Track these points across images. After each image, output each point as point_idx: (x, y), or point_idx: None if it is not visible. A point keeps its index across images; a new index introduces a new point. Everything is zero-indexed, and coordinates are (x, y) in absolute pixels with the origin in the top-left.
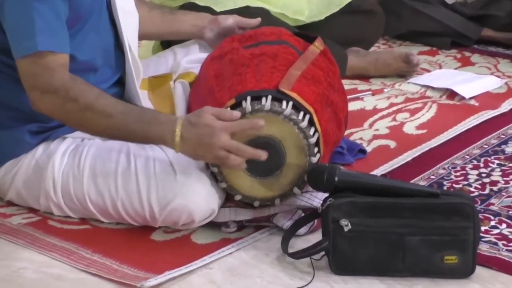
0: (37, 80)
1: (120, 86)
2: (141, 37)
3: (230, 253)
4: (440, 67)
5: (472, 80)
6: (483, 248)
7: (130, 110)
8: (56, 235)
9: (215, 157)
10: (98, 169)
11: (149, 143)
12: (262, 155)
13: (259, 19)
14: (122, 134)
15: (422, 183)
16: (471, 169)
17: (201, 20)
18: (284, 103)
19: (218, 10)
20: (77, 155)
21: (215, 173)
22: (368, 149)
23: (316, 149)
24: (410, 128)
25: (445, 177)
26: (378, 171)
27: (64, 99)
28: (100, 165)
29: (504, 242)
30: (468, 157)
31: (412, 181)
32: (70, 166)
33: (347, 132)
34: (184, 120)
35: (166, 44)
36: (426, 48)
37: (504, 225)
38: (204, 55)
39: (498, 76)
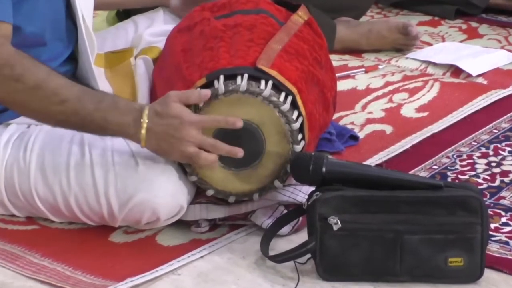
0: None
1: (72, 63)
2: (98, 6)
3: (202, 257)
4: (443, 40)
5: (480, 55)
6: (493, 248)
7: (87, 96)
8: None
9: (183, 153)
10: (47, 160)
11: (107, 135)
12: (239, 152)
13: None
14: (77, 123)
15: (423, 174)
16: (479, 157)
17: None
18: (263, 82)
19: None
20: (22, 144)
21: (184, 164)
22: (361, 135)
23: (300, 136)
24: (409, 111)
25: (449, 167)
26: (372, 161)
27: (8, 77)
28: (50, 155)
29: None
30: (475, 143)
31: (411, 172)
32: (15, 157)
33: (336, 115)
34: (150, 110)
35: (124, 14)
36: (427, 18)
37: None
38: (170, 27)
39: (510, 50)
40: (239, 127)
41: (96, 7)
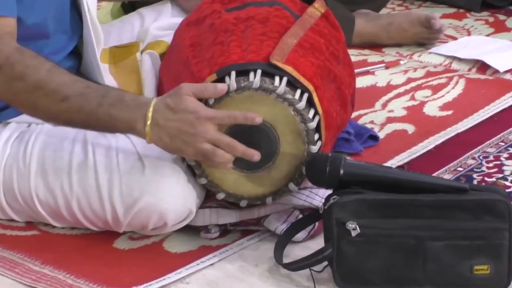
0: None
1: (76, 58)
2: None
3: (211, 264)
4: (469, 34)
5: (508, 50)
6: None
7: (91, 91)
8: None
9: (198, 151)
10: (48, 161)
11: (114, 132)
12: (255, 155)
13: None
14: (81, 120)
15: (447, 176)
16: (507, 158)
17: None
18: (277, 78)
19: None
20: (22, 144)
21: (193, 166)
22: (381, 134)
23: (316, 136)
24: (432, 109)
25: (475, 169)
26: (393, 162)
27: (9, 76)
28: (51, 156)
29: None
30: (503, 144)
31: (434, 174)
32: (14, 158)
33: (354, 114)
34: (159, 103)
35: (129, 6)
36: (452, 10)
37: None
38: (178, 20)
39: None
40: (258, 123)
41: None
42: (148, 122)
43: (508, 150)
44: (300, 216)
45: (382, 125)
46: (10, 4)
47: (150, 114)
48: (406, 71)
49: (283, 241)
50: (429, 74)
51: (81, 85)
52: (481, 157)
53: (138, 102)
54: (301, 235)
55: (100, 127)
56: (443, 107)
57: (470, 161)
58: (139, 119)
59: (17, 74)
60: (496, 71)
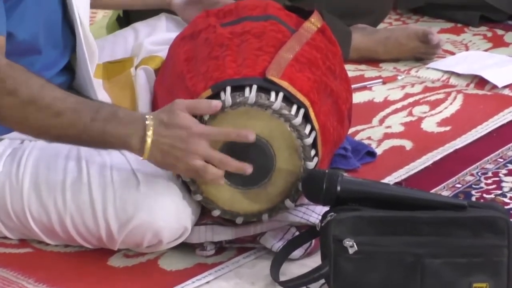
0: None
1: (69, 73)
2: (97, 5)
3: (207, 282)
4: (467, 49)
5: (506, 65)
6: None
7: (84, 106)
8: None
9: (189, 167)
10: (41, 177)
11: (107, 148)
12: (248, 169)
13: None
14: (73, 136)
15: (445, 193)
16: (506, 175)
17: None
18: (273, 94)
19: None
20: (15, 160)
21: (188, 182)
22: (378, 151)
23: (313, 152)
24: (430, 125)
25: (473, 185)
26: (391, 179)
27: (0, 92)
28: (44, 172)
29: None
30: (501, 160)
31: (432, 191)
32: (7, 174)
33: (351, 129)
34: (155, 119)
35: (124, 20)
36: (449, 25)
37: None
38: (172, 35)
39: None
40: (251, 141)
41: (94, 5)
42: (147, 141)
43: (507, 166)
44: (297, 233)
45: (380, 141)
46: (0, 20)
47: (150, 131)
48: (403, 87)
49: (279, 258)
50: (426, 89)
51: (74, 100)
52: (479, 174)
53: (132, 118)
54: (297, 252)
55: (93, 143)
56: (441, 123)
57: (469, 178)
58: (134, 135)
59: (8, 89)
60: (495, 87)
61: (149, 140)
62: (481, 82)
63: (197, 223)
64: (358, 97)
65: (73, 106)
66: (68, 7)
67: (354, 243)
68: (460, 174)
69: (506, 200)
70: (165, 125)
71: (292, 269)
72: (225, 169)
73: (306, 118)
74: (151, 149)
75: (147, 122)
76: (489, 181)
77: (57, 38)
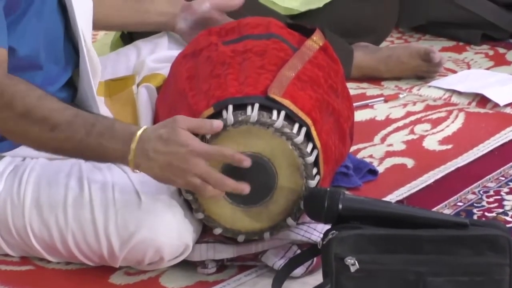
0: None
1: (70, 89)
2: (99, 26)
3: None
4: (469, 67)
5: (508, 83)
6: None
7: (80, 119)
8: None
9: (187, 183)
10: (42, 194)
11: (105, 161)
12: (245, 188)
13: None
14: (71, 149)
15: (447, 211)
16: (507, 193)
17: (172, 7)
18: (275, 112)
19: None
20: (16, 177)
21: (190, 200)
22: (380, 169)
23: (314, 170)
24: (431, 143)
25: (475, 204)
26: (392, 197)
27: None
28: (46, 189)
29: None
30: (503, 178)
31: (434, 209)
32: (8, 192)
33: (353, 147)
34: (151, 133)
35: (128, 37)
36: (451, 43)
37: None
38: (175, 53)
39: None
40: (246, 167)
41: (97, 27)
42: (131, 154)
43: (509, 184)
44: (298, 251)
45: (381, 159)
46: (2, 34)
47: (134, 146)
48: (405, 105)
49: (281, 276)
50: (428, 107)
51: (71, 112)
52: (481, 192)
53: (128, 131)
54: (299, 270)
55: (91, 156)
56: (442, 141)
57: (470, 196)
58: (127, 148)
59: (6, 101)
60: (496, 105)
61: (140, 155)
62: (483, 100)
63: (199, 241)
64: (360, 115)
65: (69, 119)
66: (71, 23)
67: (356, 261)
68: (461, 192)
69: (508, 218)
70: (164, 141)
71: (294, 287)
72: (222, 189)
73: (308, 137)
74: (147, 163)
75: (135, 135)
76: (491, 199)
77: (58, 53)
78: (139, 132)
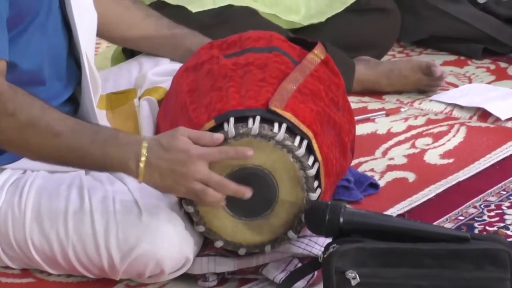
0: None
1: (72, 104)
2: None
3: None
4: (470, 81)
5: (509, 97)
6: None
7: (83, 128)
8: None
9: (189, 190)
10: (43, 207)
11: (106, 170)
12: (247, 192)
13: None
14: (73, 158)
15: (448, 225)
16: (509, 207)
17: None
18: (276, 125)
19: (193, 10)
20: (17, 190)
21: (191, 213)
22: (381, 182)
23: (316, 183)
24: (433, 157)
25: (476, 218)
26: (394, 210)
27: (1, 113)
28: (46, 202)
29: None
30: (504, 192)
31: (435, 223)
32: (9, 204)
33: (354, 161)
34: (152, 142)
35: (129, 51)
36: (453, 57)
37: None
38: (176, 66)
39: None
40: (250, 157)
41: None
42: (142, 162)
43: (510, 199)
44: (299, 264)
45: (383, 173)
46: (3, 45)
47: (144, 153)
48: (406, 119)
49: None
50: (430, 121)
51: (73, 122)
52: (482, 206)
53: (131, 140)
54: (300, 284)
55: (93, 166)
56: (444, 155)
57: (472, 210)
58: (132, 157)
59: (9, 111)
60: (498, 119)
61: (141, 164)
62: (484, 114)
63: (200, 254)
64: (361, 129)
65: (72, 128)
66: (74, 39)
67: (357, 275)
68: (463, 207)
69: (509, 232)
70: (165, 149)
71: None
72: (223, 191)
73: (309, 150)
74: (149, 172)
75: (143, 144)
76: (492, 213)
77: (61, 70)
78: (146, 140)
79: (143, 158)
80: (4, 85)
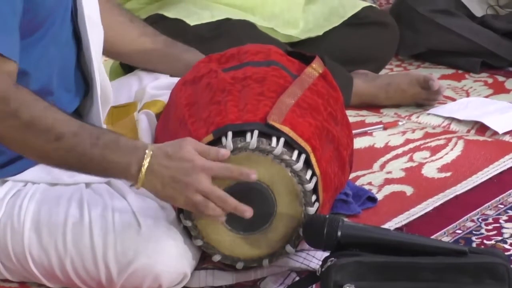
0: None
1: (75, 117)
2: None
3: None
4: (468, 95)
5: (507, 111)
6: None
7: (85, 131)
8: None
9: (188, 201)
10: (42, 220)
11: (107, 175)
12: (247, 211)
13: None
14: (73, 161)
15: (446, 238)
16: (506, 221)
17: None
18: (274, 139)
19: (191, 23)
20: (17, 202)
21: (189, 227)
22: (379, 196)
23: (314, 197)
24: (430, 170)
25: (474, 231)
26: (391, 224)
27: (4, 112)
28: (45, 214)
29: None
30: (502, 206)
31: (433, 236)
32: (8, 216)
33: (352, 175)
34: (157, 149)
35: (128, 65)
36: (450, 71)
37: None
38: (175, 80)
39: None
40: (253, 180)
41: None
42: (144, 165)
43: (508, 212)
44: (297, 278)
45: (380, 187)
46: (14, 48)
47: (147, 158)
48: (404, 132)
49: None
50: (427, 135)
51: (75, 124)
52: (480, 220)
53: (133, 146)
54: None
55: (93, 170)
56: (441, 169)
57: (469, 224)
58: (134, 163)
59: (11, 110)
60: (495, 133)
61: (143, 169)
62: (482, 128)
63: (198, 267)
64: (359, 143)
65: (74, 130)
66: (83, 52)
67: None
68: (460, 220)
69: (507, 246)
70: (169, 157)
71: None
72: (224, 207)
73: (307, 164)
74: (150, 178)
75: (146, 151)
76: (490, 227)
77: (70, 81)
78: (150, 148)
79: (145, 164)
80: (8, 84)
